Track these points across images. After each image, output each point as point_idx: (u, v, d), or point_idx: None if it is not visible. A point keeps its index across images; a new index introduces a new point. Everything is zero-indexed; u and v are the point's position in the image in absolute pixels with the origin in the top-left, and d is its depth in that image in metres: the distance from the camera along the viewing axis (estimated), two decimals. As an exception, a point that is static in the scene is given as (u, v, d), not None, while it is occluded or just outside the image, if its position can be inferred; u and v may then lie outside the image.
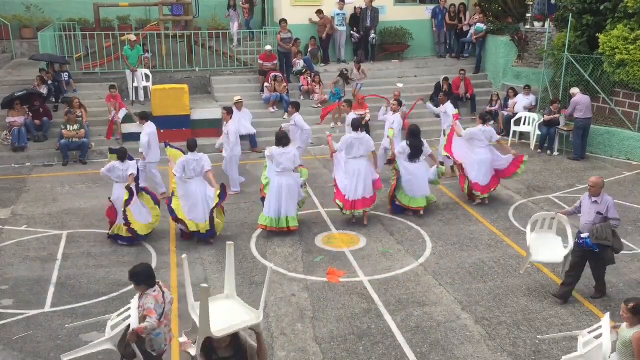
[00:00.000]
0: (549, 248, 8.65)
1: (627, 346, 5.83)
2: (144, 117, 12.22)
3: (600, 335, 6.23)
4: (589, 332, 6.56)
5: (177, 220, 9.98)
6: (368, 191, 10.74)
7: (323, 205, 11.70)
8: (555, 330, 7.66)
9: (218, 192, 9.91)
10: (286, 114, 16.17)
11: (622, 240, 10.12)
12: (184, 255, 5.68)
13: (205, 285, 5.31)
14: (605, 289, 8.52)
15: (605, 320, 6.29)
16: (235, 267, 9.13)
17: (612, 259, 8.15)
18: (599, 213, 8.08)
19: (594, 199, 8.16)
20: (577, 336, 6.78)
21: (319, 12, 18.12)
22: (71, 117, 14.28)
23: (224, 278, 5.59)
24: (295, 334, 7.61)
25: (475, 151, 11.61)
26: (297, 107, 12.81)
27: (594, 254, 8.06)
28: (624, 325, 5.98)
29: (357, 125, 10.90)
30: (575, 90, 14.76)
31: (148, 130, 11.91)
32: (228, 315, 5.32)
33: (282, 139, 10.33)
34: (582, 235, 8.11)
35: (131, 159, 10.21)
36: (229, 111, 12.36)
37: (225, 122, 12.33)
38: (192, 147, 10.10)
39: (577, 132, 14.46)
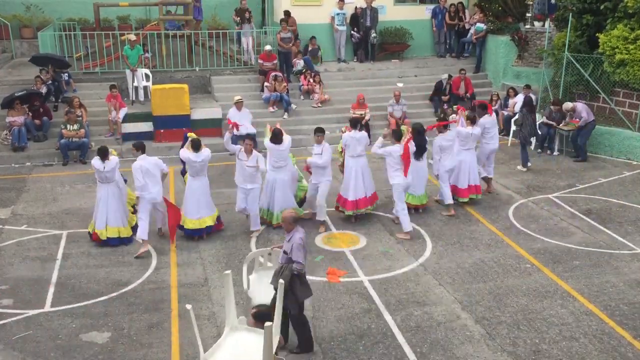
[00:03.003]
0: (269, 288, 7.23)
1: None
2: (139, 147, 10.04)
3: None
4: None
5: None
6: (369, 189, 10.77)
7: (323, 205, 11.69)
8: (556, 330, 7.66)
9: None
10: (286, 113, 16.24)
11: (622, 240, 10.16)
12: (188, 305, 5.71)
13: (189, 305, 5.26)
14: (311, 345, 7.16)
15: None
16: (237, 268, 9.22)
17: (293, 307, 6.82)
18: (284, 252, 6.83)
19: (286, 235, 6.91)
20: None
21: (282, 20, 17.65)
22: (71, 116, 14.27)
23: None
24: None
25: (459, 152, 11.41)
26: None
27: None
28: None
29: (356, 122, 10.90)
30: (568, 103, 14.67)
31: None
32: (238, 352, 5.22)
33: (277, 136, 10.37)
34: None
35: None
36: (250, 140, 10.34)
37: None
38: (196, 147, 10.10)
39: (586, 134, 14.40)
